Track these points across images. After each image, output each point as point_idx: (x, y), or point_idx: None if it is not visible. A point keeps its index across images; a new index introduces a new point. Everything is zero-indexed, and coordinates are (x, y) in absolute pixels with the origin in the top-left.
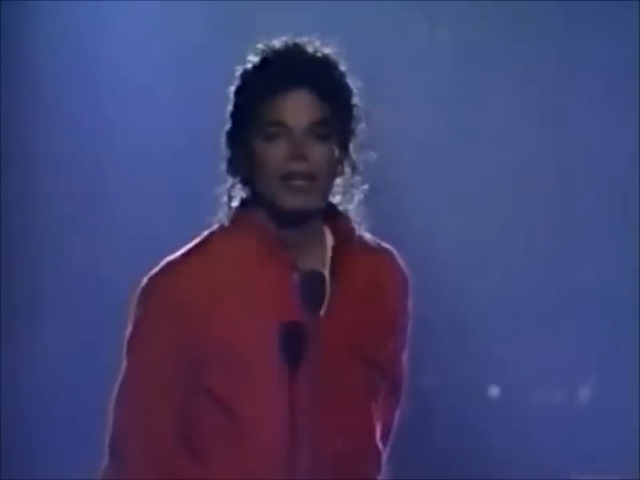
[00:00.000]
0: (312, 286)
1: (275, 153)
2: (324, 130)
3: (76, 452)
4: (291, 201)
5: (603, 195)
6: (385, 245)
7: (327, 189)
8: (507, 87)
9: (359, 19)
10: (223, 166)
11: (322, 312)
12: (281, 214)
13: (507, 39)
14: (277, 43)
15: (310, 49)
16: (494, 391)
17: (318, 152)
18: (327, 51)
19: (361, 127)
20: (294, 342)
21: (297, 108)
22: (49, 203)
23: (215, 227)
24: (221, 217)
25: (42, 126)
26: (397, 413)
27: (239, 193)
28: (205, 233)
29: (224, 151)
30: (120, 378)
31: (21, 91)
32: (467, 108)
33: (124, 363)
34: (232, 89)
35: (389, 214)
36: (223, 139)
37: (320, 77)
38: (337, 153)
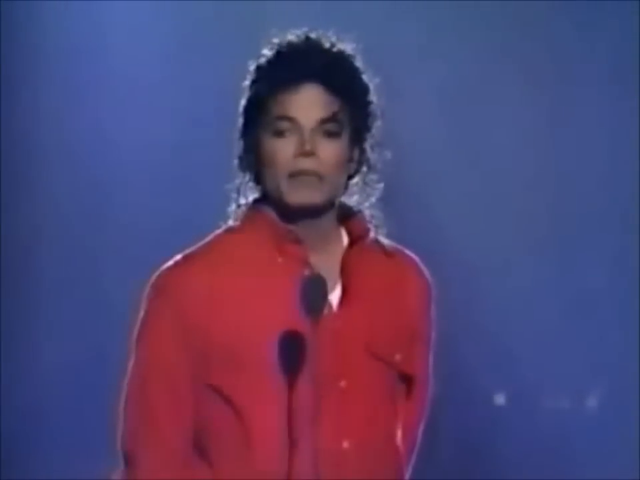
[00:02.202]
0: (312, 290)
1: (283, 149)
2: (335, 127)
3: (76, 453)
4: (297, 197)
5: (614, 196)
6: (406, 251)
7: (336, 187)
8: (512, 84)
9: (363, 16)
10: (234, 162)
11: (334, 312)
12: (288, 211)
13: (511, 36)
14: (291, 37)
15: (324, 43)
16: (500, 398)
17: (327, 149)
18: (343, 46)
19: (377, 124)
20: (291, 351)
21: (307, 104)
22: (49, 206)
23: (226, 226)
24: (232, 216)
25: (42, 126)
26: (420, 423)
27: (251, 193)
28: (216, 231)
29: (236, 146)
30: (127, 376)
31: (20, 92)
32: (471, 106)
33: (131, 361)
34: (245, 83)
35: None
36: (235, 134)
37: (332, 72)
38: (348, 150)
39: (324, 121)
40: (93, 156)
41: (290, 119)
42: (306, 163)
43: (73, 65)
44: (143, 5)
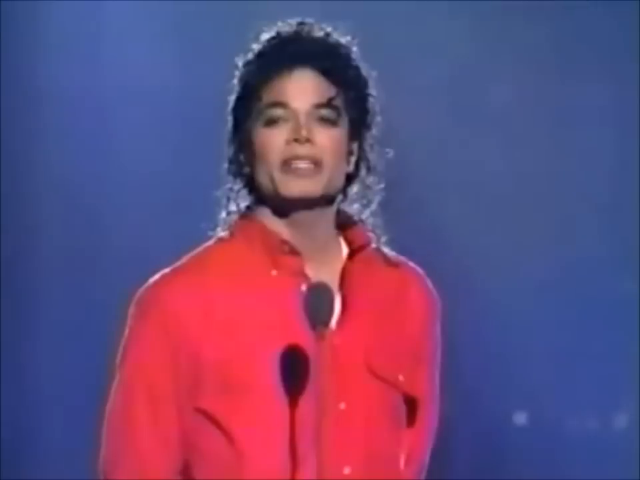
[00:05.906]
0: (319, 301)
1: (276, 137)
2: (331, 113)
3: (76, 453)
4: (292, 187)
5: (618, 196)
6: (410, 263)
7: (334, 178)
8: (514, 84)
9: (361, 9)
10: (224, 167)
11: (332, 328)
12: (284, 205)
13: (513, 35)
14: (283, 25)
15: (318, 31)
16: (521, 418)
17: (323, 136)
18: (338, 35)
19: (376, 121)
20: (295, 370)
21: (301, 88)
22: (48, 206)
23: (216, 237)
24: (222, 226)
25: (41, 126)
26: (427, 449)
27: (242, 201)
28: (206, 244)
29: (226, 149)
30: (110, 398)
31: (20, 91)
32: (472, 106)
33: (114, 381)
34: (234, 80)
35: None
36: (226, 137)
37: (326, 57)
38: (347, 141)
39: (319, 106)
40: (92, 158)
41: (283, 105)
42: (301, 149)
43: (69, 67)
44: (139, 5)
